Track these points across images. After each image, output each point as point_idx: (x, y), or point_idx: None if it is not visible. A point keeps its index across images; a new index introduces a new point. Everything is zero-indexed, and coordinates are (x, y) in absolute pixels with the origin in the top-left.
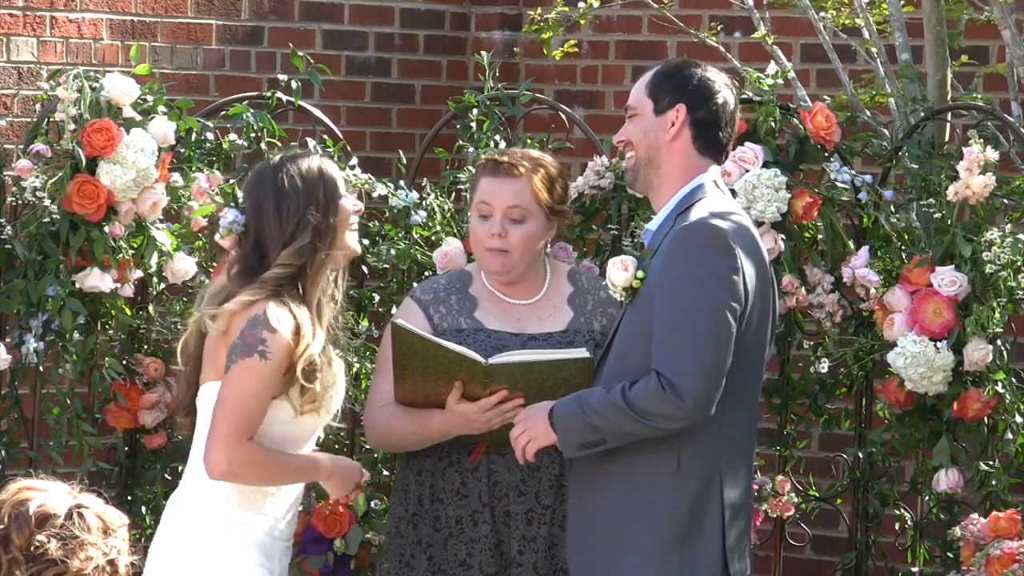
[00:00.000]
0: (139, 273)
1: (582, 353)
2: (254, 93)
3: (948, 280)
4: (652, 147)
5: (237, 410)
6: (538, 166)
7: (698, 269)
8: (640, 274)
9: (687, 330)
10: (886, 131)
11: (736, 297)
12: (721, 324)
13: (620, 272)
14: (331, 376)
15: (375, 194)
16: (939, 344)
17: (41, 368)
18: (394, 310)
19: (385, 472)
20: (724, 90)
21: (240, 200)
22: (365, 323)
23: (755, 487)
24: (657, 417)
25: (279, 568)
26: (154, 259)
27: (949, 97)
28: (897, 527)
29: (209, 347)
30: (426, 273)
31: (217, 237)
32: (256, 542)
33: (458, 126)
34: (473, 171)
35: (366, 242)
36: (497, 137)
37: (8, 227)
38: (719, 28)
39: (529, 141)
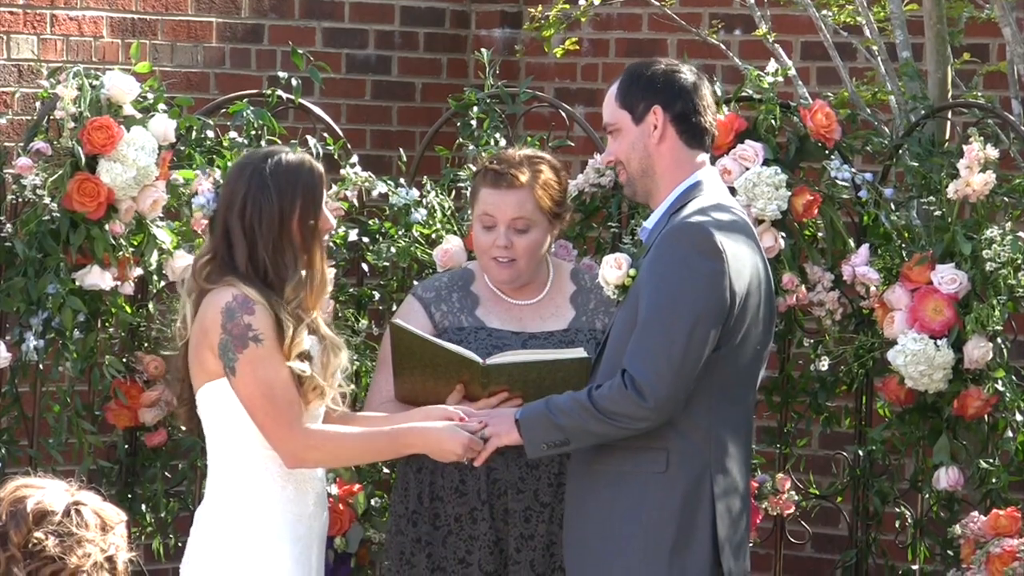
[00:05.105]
0: (139, 271)
1: (579, 353)
2: (254, 91)
3: (948, 278)
4: (643, 157)
5: (271, 403)
6: (537, 171)
7: (679, 271)
8: (632, 272)
9: (659, 330)
10: (886, 129)
11: (717, 302)
12: (696, 328)
13: (613, 270)
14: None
15: (375, 192)
16: (939, 342)
17: (41, 366)
18: (394, 308)
19: (385, 470)
20: (690, 76)
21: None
22: (365, 321)
23: (755, 485)
24: (620, 416)
25: (316, 557)
26: (154, 257)
27: (950, 95)
28: (897, 525)
29: (192, 352)
30: (426, 271)
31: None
32: (288, 534)
33: (458, 124)
34: (473, 169)
35: (366, 240)
36: (497, 135)
37: (8, 225)
38: (719, 26)
39: (529, 139)
